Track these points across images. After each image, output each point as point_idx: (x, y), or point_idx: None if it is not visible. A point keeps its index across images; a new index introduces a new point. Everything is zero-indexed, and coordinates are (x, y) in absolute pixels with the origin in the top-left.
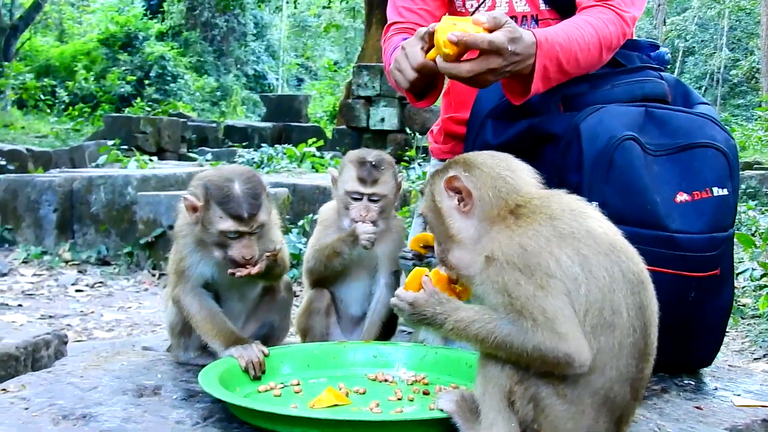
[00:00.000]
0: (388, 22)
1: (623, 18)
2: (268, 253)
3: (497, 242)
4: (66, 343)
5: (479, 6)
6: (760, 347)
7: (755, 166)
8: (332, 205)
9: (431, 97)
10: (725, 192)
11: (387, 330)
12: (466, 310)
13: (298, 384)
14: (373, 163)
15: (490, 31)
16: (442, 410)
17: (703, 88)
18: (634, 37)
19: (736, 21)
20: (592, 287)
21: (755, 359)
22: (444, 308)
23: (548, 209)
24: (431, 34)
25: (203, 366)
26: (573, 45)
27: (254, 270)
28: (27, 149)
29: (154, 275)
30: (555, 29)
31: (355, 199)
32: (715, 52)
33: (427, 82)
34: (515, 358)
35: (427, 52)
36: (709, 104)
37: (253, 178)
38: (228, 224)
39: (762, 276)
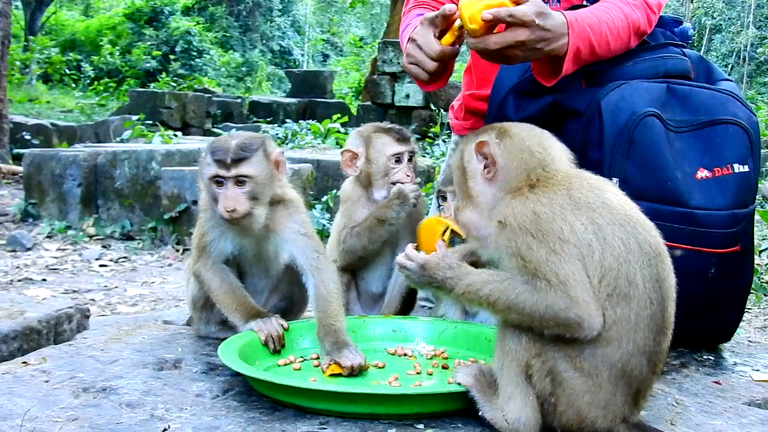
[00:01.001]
0: None
1: (649, 5)
2: None
3: (510, 208)
4: (88, 317)
5: None
6: None
7: None
8: (351, 184)
9: (442, 80)
10: (746, 169)
11: (406, 305)
12: (477, 274)
13: (317, 358)
14: (397, 126)
15: (517, 3)
16: (460, 384)
17: (730, 66)
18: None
19: None
20: (607, 255)
21: None
22: (455, 272)
23: (567, 182)
24: (444, 17)
25: (223, 340)
26: (604, 28)
27: None
28: (52, 124)
29: (177, 250)
30: (585, 12)
31: (398, 161)
32: (741, 30)
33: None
34: (528, 320)
35: (440, 37)
36: (732, 81)
37: (255, 138)
38: (212, 169)
39: None
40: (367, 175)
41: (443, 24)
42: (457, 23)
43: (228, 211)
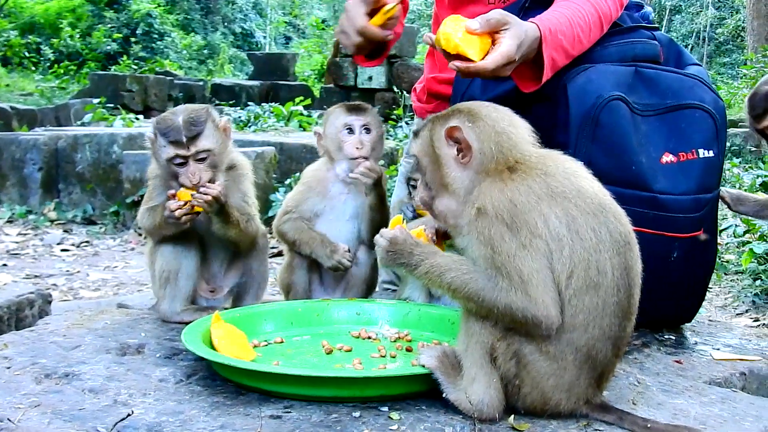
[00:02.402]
0: None
1: None
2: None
3: (488, 195)
4: (50, 302)
5: None
6: (743, 303)
7: (740, 124)
8: (317, 166)
9: (378, 59)
10: (711, 154)
11: (368, 287)
12: (443, 257)
13: (281, 342)
14: (358, 102)
15: (495, 32)
16: (423, 366)
17: (690, 47)
18: None
19: None
20: (577, 248)
21: (738, 314)
22: (421, 250)
23: (544, 167)
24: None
25: (187, 324)
26: (576, 29)
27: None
28: (11, 107)
29: (140, 234)
30: (556, 16)
31: (350, 132)
32: (701, 11)
33: (375, 45)
34: (485, 312)
35: (370, 15)
36: (700, 65)
37: (200, 110)
38: (170, 151)
39: (745, 232)
40: (327, 151)
41: (374, 4)
42: (387, 7)
43: (194, 183)
